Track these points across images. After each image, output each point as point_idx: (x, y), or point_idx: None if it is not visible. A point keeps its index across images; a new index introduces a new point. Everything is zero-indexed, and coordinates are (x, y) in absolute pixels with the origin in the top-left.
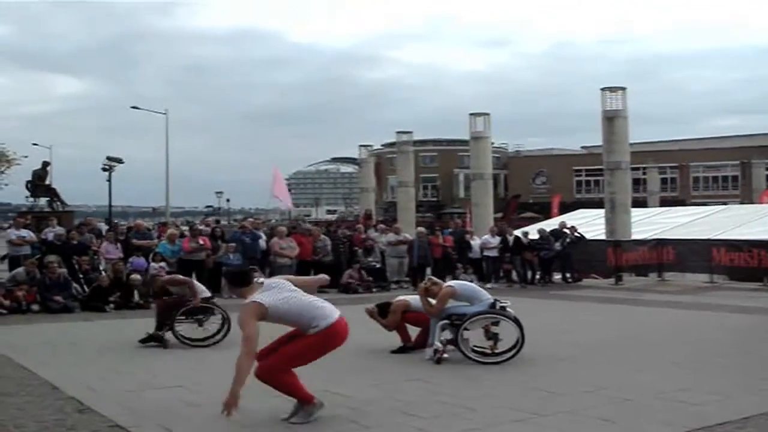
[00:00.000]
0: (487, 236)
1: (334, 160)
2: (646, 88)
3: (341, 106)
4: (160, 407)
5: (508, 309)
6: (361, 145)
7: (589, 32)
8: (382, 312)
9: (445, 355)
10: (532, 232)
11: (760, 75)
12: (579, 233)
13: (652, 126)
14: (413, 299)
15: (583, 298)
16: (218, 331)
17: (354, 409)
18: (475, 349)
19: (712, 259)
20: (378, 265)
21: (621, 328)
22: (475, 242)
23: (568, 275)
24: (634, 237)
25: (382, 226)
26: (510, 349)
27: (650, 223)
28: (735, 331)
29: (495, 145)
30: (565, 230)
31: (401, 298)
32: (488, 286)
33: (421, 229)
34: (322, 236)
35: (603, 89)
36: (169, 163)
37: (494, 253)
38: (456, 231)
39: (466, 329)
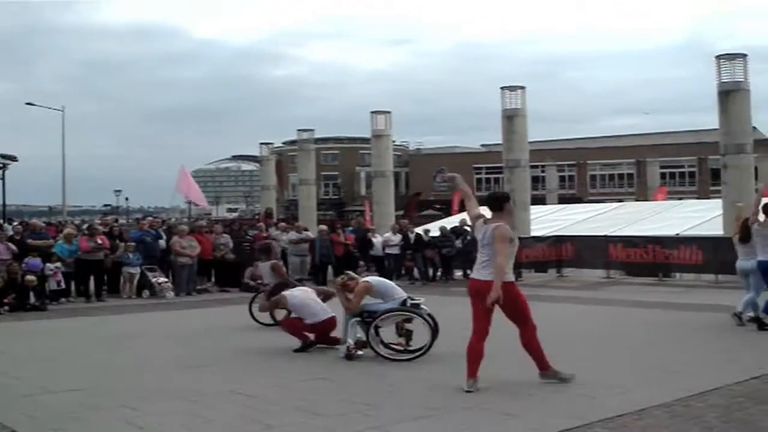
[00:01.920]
0: (388, 234)
1: (235, 158)
2: (547, 88)
3: (244, 104)
4: (58, 412)
5: (421, 306)
6: (262, 143)
7: (492, 33)
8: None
9: (359, 353)
10: (434, 229)
11: (656, 77)
12: None
13: (551, 125)
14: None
15: None
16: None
17: (258, 409)
18: (389, 345)
19: (609, 255)
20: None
21: None
22: (377, 240)
23: (469, 272)
24: (534, 234)
25: (283, 224)
26: (423, 347)
27: (549, 220)
28: (633, 325)
29: (396, 144)
30: (466, 227)
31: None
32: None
33: (323, 227)
34: (224, 234)
35: (503, 88)
36: (67, 161)
37: (396, 251)
38: (358, 229)
39: (378, 326)
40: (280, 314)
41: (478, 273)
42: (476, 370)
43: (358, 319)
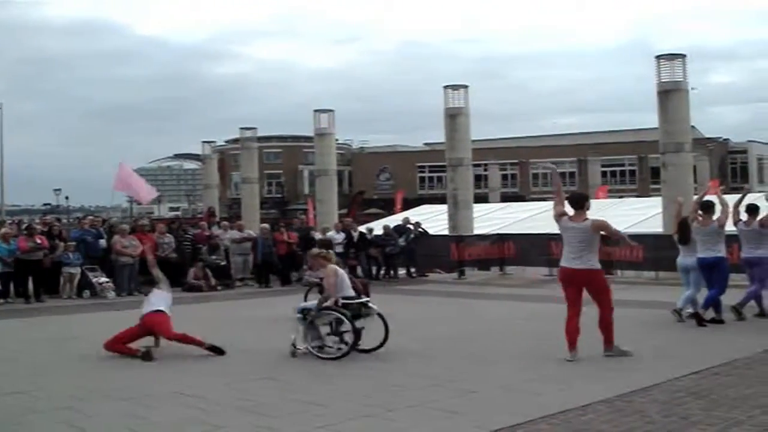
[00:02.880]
0: (332, 232)
1: (177, 156)
2: (492, 87)
3: (188, 102)
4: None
5: (370, 305)
6: (204, 141)
7: (438, 31)
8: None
9: (299, 348)
10: (377, 227)
11: (600, 76)
12: (422, 229)
13: (494, 124)
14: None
15: (427, 292)
16: None
17: (204, 409)
18: (325, 345)
19: (551, 253)
20: (223, 263)
21: (466, 322)
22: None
23: (412, 270)
24: (477, 232)
25: (225, 223)
26: (378, 346)
27: (492, 219)
28: None
29: (339, 142)
30: (409, 226)
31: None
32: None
33: (265, 225)
34: (167, 234)
35: (446, 87)
36: (5, 159)
37: (339, 249)
38: (301, 227)
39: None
40: None
41: (569, 262)
42: (576, 344)
43: (299, 316)
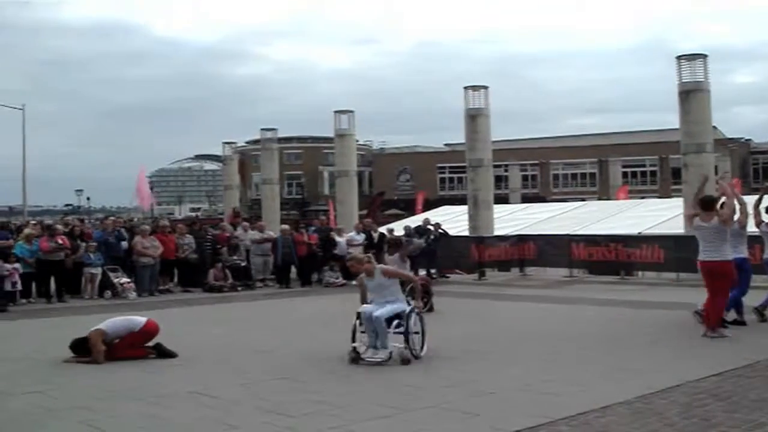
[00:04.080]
0: (352, 233)
1: (198, 157)
2: (510, 88)
3: (207, 103)
4: (19, 415)
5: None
6: (224, 142)
7: (455, 32)
8: (80, 350)
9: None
10: (397, 228)
11: (620, 76)
12: (443, 230)
13: (514, 124)
14: (105, 326)
15: (447, 293)
16: None
17: (221, 409)
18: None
19: (571, 254)
20: (243, 264)
21: (485, 323)
22: (341, 239)
23: (433, 271)
24: (497, 233)
25: (246, 224)
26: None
27: (512, 220)
28: (595, 323)
29: (360, 143)
30: (430, 227)
31: (95, 328)
32: (354, 282)
33: (285, 226)
34: (187, 234)
35: (466, 88)
36: (27, 161)
37: (359, 251)
38: (321, 228)
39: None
40: None
41: (707, 255)
42: (716, 324)
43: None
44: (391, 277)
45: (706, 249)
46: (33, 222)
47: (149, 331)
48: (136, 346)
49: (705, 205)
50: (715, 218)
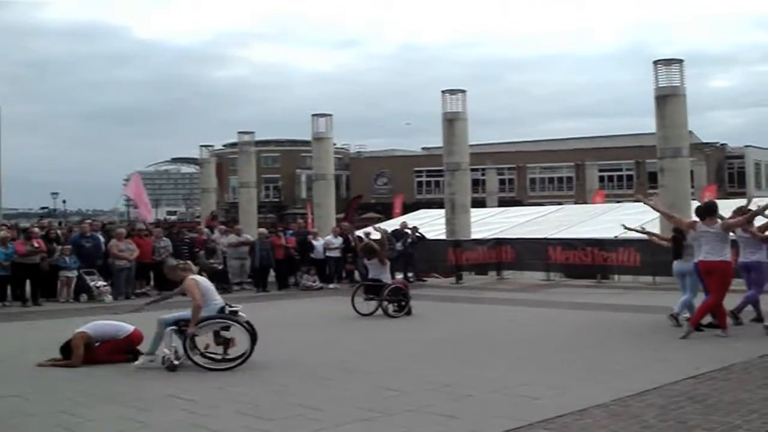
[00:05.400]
0: (329, 237)
1: (175, 160)
2: (491, 91)
3: (185, 106)
4: None
5: (239, 313)
6: (202, 145)
7: (436, 35)
8: (68, 352)
9: (176, 362)
10: (374, 232)
11: (598, 81)
12: (420, 233)
13: (491, 128)
14: (91, 328)
15: (425, 296)
16: None
17: (200, 413)
18: (206, 354)
19: (548, 258)
20: (220, 267)
21: (463, 326)
22: (318, 243)
23: (410, 275)
24: (474, 237)
25: (222, 227)
26: (243, 354)
27: (489, 223)
28: (572, 326)
29: (337, 146)
30: (407, 230)
31: (79, 330)
32: (331, 286)
33: (262, 230)
34: (163, 237)
35: (444, 91)
36: (2, 162)
37: (337, 254)
38: (298, 232)
39: (195, 334)
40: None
41: (706, 256)
42: (726, 323)
43: (174, 327)
44: None
45: (708, 251)
46: (8, 225)
47: (134, 340)
48: (116, 352)
49: (709, 210)
50: (718, 223)
